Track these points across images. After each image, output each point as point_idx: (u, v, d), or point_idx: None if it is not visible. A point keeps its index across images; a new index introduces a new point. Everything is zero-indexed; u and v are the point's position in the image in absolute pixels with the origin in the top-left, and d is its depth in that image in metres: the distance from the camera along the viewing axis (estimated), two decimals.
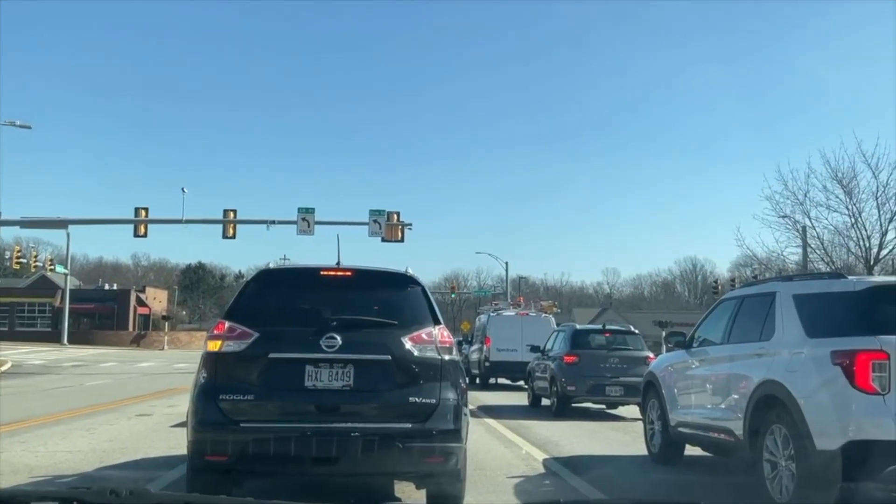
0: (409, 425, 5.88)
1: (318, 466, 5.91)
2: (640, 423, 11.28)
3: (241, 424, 5.81)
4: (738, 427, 7.60)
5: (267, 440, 5.73)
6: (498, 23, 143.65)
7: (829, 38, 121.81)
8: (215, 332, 6.21)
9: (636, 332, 18.89)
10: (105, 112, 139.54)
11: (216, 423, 5.82)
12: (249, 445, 5.74)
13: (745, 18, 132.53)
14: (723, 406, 8.12)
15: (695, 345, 9.36)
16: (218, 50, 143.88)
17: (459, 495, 6.28)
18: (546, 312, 31.41)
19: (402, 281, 6.69)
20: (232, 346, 6.03)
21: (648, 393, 10.39)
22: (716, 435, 8.24)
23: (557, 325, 23.93)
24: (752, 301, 8.31)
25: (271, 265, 7.07)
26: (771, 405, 7.02)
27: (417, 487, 6.57)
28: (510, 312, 29.56)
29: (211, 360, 6.08)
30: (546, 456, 10.19)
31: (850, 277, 7.61)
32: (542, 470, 9.20)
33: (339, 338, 5.98)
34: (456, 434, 6.01)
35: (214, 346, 6.09)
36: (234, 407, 5.85)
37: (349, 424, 5.83)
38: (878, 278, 7.98)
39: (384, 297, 6.58)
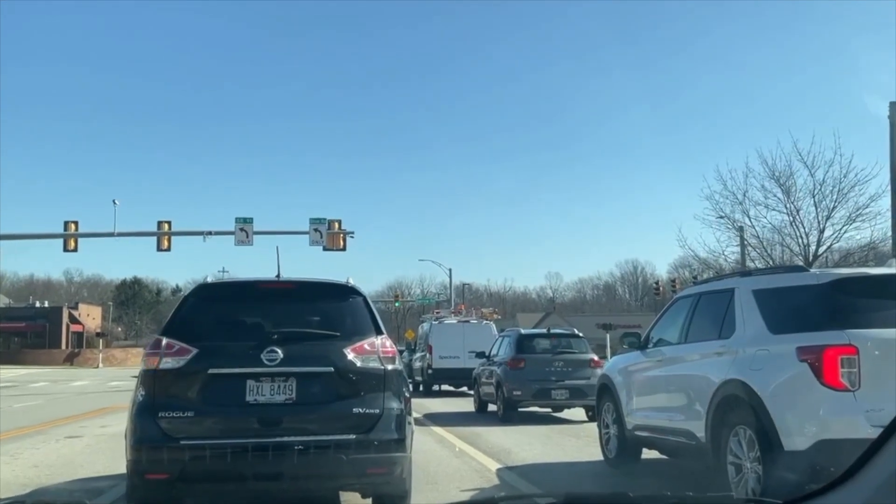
0: (353, 436, 5.90)
1: (261, 481, 5.86)
2: (590, 427, 11.03)
3: (182, 442, 5.74)
4: (699, 429, 7.34)
5: (208, 457, 5.69)
6: (436, 37, 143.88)
7: (766, 38, 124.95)
8: (153, 348, 6.18)
9: (580, 335, 18.86)
10: (31, 124, 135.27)
11: (155, 441, 5.76)
12: (190, 463, 5.70)
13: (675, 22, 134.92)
14: (682, 408, 7.85)
15: (650, 345, 9.09)
16: (151, 65, 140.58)
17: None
18: (487, 319, 31.87)
19: (344, 292, 6.72)
20: (170, 363, 6.01)
21: (603, 396, 10.09)
22: (675, 438, 7.97)
23: (500, 331, 23.93)
24: (709, 298, 8.07)
25: (209, 279, 7.12)
26: (734, 405, 6.78)
27: (363, 497, 6.56)
28: (452, 320, 29.88)
29: (149, 377, 6.04)
30: (499, 465, 9.84)
31: (812, 270, 7.45)
32: (496, 481, 8.82)
33: (280, 351, 5.98)
34: (400, 443, 6.05)
35: (152, 362, 6.08)
36: (174, 425, 5.83)
37: (292, 438, 5.83)
38: (842, 270, 7.80)
39: (326, 309, 6.62)
